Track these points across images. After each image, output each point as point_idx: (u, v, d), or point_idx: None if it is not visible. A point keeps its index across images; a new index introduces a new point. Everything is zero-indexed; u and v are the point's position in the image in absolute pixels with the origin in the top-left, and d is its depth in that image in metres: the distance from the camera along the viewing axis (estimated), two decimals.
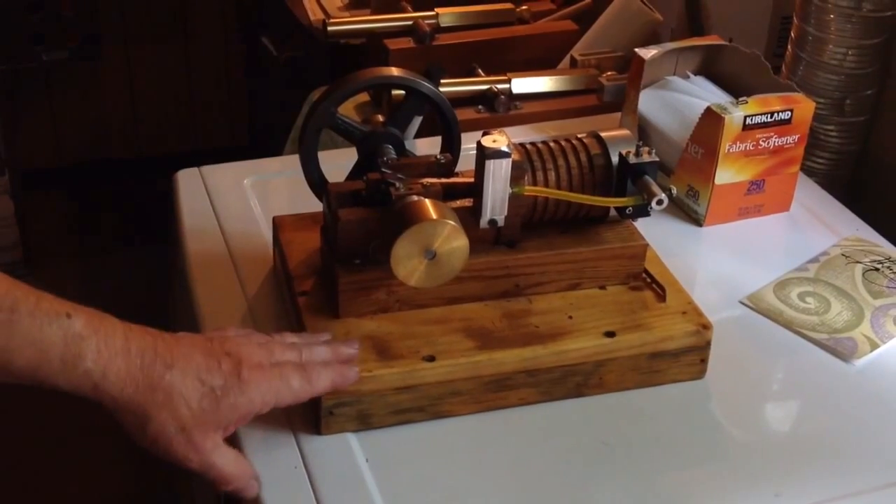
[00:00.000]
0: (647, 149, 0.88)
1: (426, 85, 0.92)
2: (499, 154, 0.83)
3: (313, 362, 0.79)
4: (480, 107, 1.44)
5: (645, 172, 0.88)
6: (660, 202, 0.86)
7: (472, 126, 1.32)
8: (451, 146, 0.95)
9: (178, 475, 1.19)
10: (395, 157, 0.90)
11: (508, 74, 1.46)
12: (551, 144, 0.90)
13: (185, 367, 0.71)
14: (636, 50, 1.20)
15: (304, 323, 0.86)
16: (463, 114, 1.39)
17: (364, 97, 1.50)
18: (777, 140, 1.09)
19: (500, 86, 1.44)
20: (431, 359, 0.83)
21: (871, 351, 0.94)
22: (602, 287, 0.92)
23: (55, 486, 1.94)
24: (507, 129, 0.88)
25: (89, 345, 0.68)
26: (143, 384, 0.70)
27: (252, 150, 2.36)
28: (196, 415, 0.71)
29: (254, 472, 0.77)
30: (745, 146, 1.08)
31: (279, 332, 0.92)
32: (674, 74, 1.25)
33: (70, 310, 0.68)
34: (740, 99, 1.09)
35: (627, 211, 0.89)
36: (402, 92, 0.93)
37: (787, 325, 0.97)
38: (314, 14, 1.81)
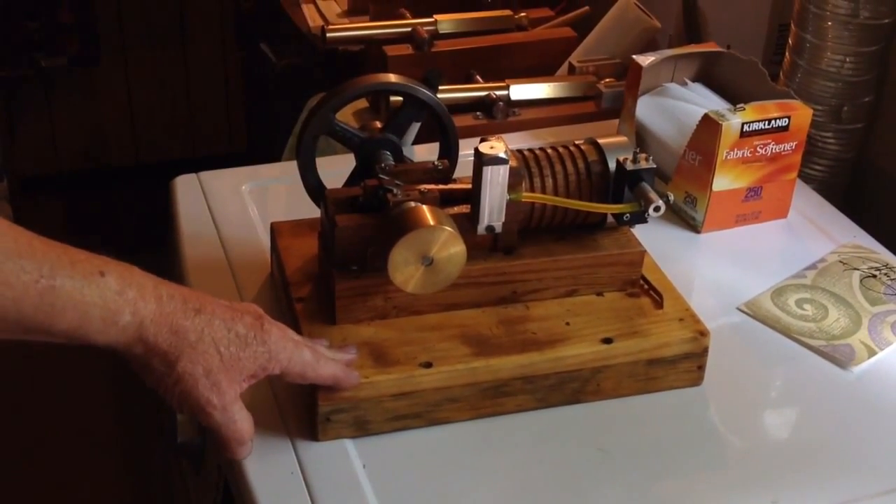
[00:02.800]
0: (644, 155, 0.88)
1: (424, 91, 0.92)
2: (496, 160, 0.83)
3: (321, 352, 0.80)
4: (478, 113, 1.44)
5: (642, 179, 0.88)
6: (657, 209, 0.86)
7: (470, 132, 1.32)
8: (449, 152, 0.95)
9: (175, 482, 1.19)
10: (392, 163, 0.90)
11: (507, 81, 1.46)
12: (549, 151, 0.90)
13: (213, 313, 0.74)
14: (634, 57, 1.20)
15: (302, 329, 0.85)
16: (461, 120, 1.39)
17: (362, 103, 1.50)
18: (774, 147, 1.09)
19: (498, 92, 1.45)
20: (428, 365, 0.83)
21: (869, 358, 0.94)
22: (599, 294, 0.92)
23: (54, 497, 1.94)
24: (505, 136, 0.88)
25: (126, 298, 0.70)
26: (176, 326, 0.72)
27: (250, 157, 2.36)
28: (224, 359, 0.74)
29: (249, 441, 0.78)
30: (743, 153, 1.08)
31: None
32: (671, 81, 1.25)
33: (102, 266, 0.70)
34: (738, 106, 1.09)
35: (625, 217, 0.89)
36: (401, 98, 0.93)
37: (785, 331, 0.97)
38: (313, 21, 1.81)
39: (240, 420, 0.76)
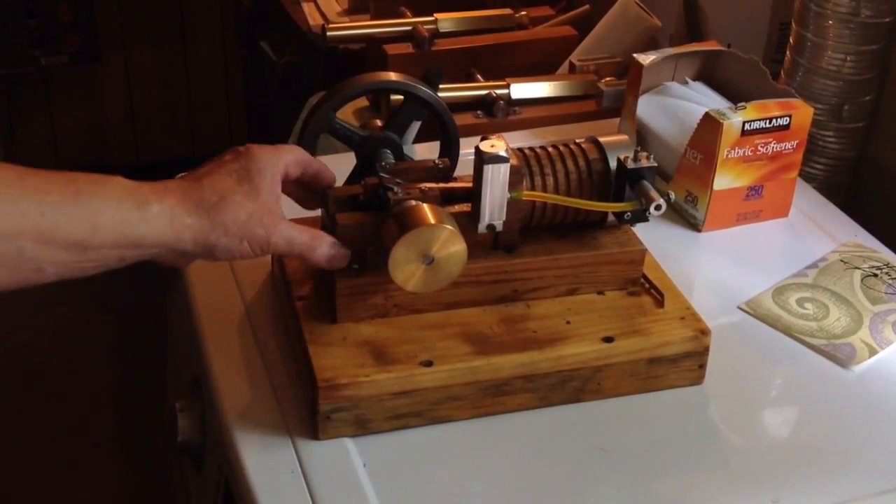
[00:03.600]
0: (645, 154, 0.88)
1: (424, 90, 0.92)
2: (497, 159, 0.83)
3: None
4: (479, 112, 1.44)
5: (643, 177, 0.88)
6: (658, 207, 0.86)
7: (470, 131, 1.32)
8: (450, 151, 0.95)
9: (176, 481, 1.19)
10: (393, 161, 0.90)
11: (507, 80, 1.46)
12: (549, 149, 0.90)
13: (208, 174, 0.77)
14: (634, 56, 1.20)
15: (302, 328, 0.85)
16: (462, 119, 1.39)
17: (363, 102, 1.50)
18: (775, 146, 1.09)
19: (498, 91, 1.44)
20: (429, 364, 0.83)
21: (870, 357, 0.94)
22: (600, 292, 0.92)
23: (55, 496, 1.94)
24: (506, 135, 0.88)
25: (144, 190, 0.73)
26: (198, 201, 0.75)
27: None
28: (245, 196, 0.76)
29: (329, 238, 0.82)
30: (744, 152, 1.08)
31: (276, 340, 0.92)
32: (672, 80, 1.25)
33: (110, 175, 0.73)
34: (738, 105, 1.09)
35: (626, 216, 0.89)
36: (401, 97, 0.93)
37: (786, 330, 0.97)
38: (313, 19, 1.81)
39: (297, 236, 0.79)
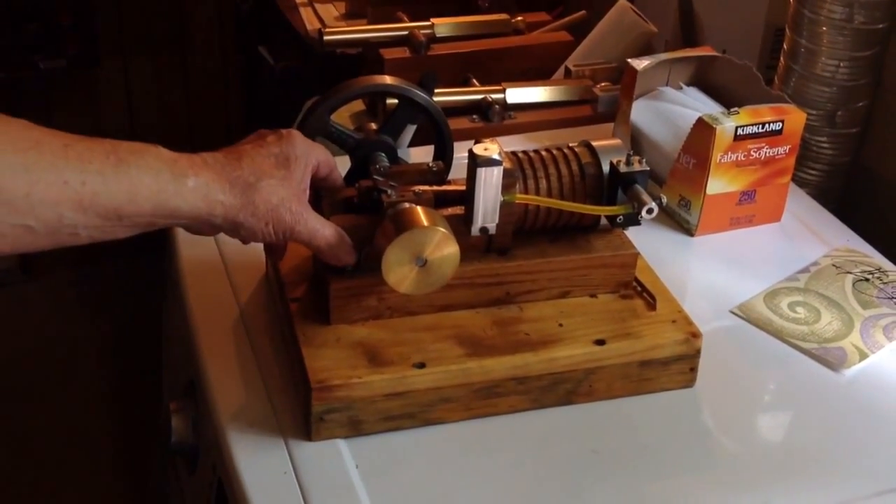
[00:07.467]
0: (637, 158, 0.89)
1: (418, 93, 0.92)
2: (490, 162, 0.84)
3: None
4: (475, 116, 1.44)
5: (635, 181, 0.88)
6: (650, 211, 0.86)
7: (466, 135, 1.32)
8: (444, 154, 0.95)
9: (171, 482, 1.20)
10: (387, 164, 0.91)
11: (503, 84, 1.46)
12: (543, 153, 0.91)
13: (249, 153, 0.80)
14: (629, 60, 1.21)
15: (296, 329, 0.86)
16: (457, 123, 1.40)
17: (359, 106, 1.50)
18: (768, 151, 1.10)
19: (494, 95, 1.45)
20: (422, 365, 0.83)
21: (861, 361, 0.94)
22: (593, 295, 0.92)
23: (50, 497, 1.94)
24: (502, 139, 0.88)
25: (183, 163, 0.75)
26: (232, 178, 0.77)
27: None
28: (283, 182, 0.79)
29: (347, 239, 0.83)
30: (737, 156, 1.08)
31: (270, 341, 0.93)
32: (666, 85, 1.26)
33: (151, 145, 0.75)
34: (732, 110, 1.09)
35: (618, 219, 0.90)
36: (396, 100, 0.94)
37: (777, 334, 0.97)
38: (311, 24, 1.82)
39: (320, 230, 0.81)
